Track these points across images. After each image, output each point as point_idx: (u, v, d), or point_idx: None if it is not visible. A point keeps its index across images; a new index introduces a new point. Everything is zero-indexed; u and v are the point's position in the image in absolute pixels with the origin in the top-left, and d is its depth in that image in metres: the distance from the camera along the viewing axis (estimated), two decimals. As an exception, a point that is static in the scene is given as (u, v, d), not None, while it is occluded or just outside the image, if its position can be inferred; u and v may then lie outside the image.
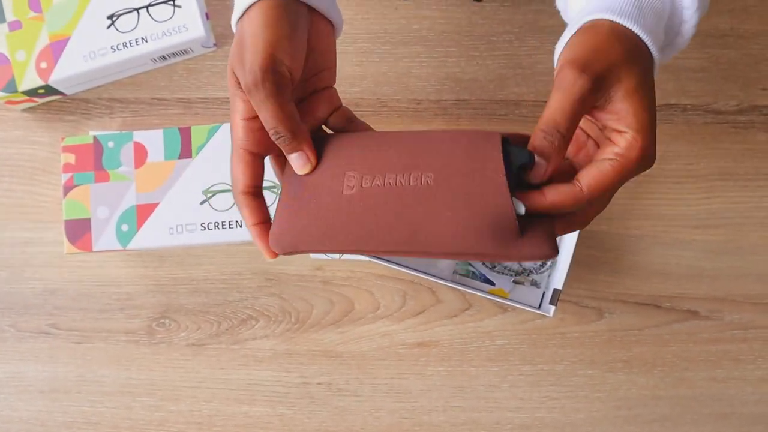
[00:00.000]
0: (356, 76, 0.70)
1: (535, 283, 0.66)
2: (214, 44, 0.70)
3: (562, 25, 0.72)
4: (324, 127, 0.47)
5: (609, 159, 0.39)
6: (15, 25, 0.65)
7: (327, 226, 0.41)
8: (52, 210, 0.68)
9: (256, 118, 0.42)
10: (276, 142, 0.42)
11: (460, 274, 0.66)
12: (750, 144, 0.69)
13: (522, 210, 0.39)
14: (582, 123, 0.43)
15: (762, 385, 0.68)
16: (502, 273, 0.66)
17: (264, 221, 0.44)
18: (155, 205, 0.62)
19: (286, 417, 0.67)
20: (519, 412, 0.68)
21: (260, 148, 0.43)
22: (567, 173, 0.41)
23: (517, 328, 0.68)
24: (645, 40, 0.41)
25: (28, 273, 0.68)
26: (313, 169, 0.43)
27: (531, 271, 0.66)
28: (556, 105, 0.39)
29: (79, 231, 0.62)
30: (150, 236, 0.62)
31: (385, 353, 0.68)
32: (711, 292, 0.68)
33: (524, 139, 0.40)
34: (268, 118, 0.41)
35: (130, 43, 0.65)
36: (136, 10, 0.65)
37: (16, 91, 0.65)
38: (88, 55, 0.65)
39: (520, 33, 0.70)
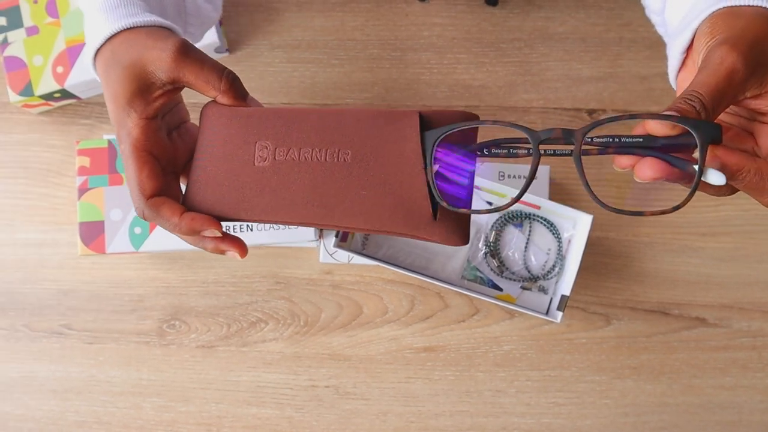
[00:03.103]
0: (366, 82, 0.70)
1: (542, 289, 0.67)
2: (227, 50, 0.71)
3: (572, 33, 0.73)
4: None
5: None
6: (32, 30, 0.67)
7: (240, 198, 0.41)
8: (66, 212, 0.70)
9: (155, 118, 0.41)
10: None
11: (468, 279, 0.67)
12: (759, 152, 0.69)
13: (722, 180, 0.35)
14: (724, 117, 0.41)
15: (770, 394, 0.68)
16: (510, 279, 0.67)
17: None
18: (167, 208, 0.63)
19: (294, 419, 0.68)
20: (525, 418, 0.68)
21: (159, 151, 0.41)
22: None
23: (524, 333, 0.68)
24: None
25: (42, 274, 0.69)
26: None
27: (538, 277, 0.66)
28: (699, 79, 0.35)
29: (92, 233, 0.63)
30: (162, 239, 0.63)
31: (393, 357, 0.68)
32: (719, 300, 0.68)
33: (444, 116, 0.39)
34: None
35: (145, 49, 0.66)
36: (151, 16, 0.66)
37: (33, 95, 0.66)
38: (104, 60, 0.66)
39: (529, 40, 0.71)
